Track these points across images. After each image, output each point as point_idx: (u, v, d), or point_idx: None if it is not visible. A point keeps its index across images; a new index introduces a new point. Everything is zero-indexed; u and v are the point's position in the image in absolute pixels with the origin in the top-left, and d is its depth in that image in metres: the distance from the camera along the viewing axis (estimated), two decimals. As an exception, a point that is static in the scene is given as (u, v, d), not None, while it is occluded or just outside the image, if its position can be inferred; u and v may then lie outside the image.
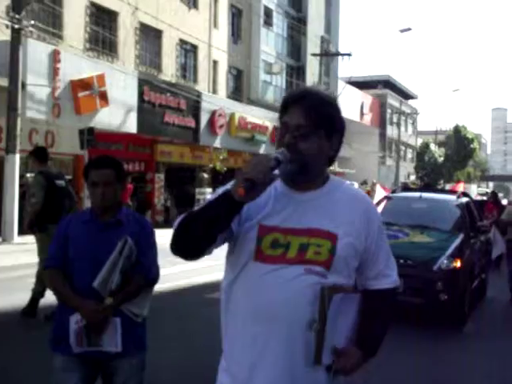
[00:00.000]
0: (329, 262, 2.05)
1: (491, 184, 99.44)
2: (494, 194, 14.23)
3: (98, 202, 3.29)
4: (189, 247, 2.04)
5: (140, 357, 3.34)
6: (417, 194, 10.35)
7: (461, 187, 24.68)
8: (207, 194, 23.66)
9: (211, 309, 8.13)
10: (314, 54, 36.10)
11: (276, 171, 1.92)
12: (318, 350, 2.03)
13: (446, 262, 7.89)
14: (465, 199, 10.38)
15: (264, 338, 2.04)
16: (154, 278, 3.35)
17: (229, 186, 1.98)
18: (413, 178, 62.25)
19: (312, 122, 2.04)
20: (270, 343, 2.03)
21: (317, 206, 2.10)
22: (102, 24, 22.76)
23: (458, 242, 8.41)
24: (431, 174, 61.19)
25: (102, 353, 3.19)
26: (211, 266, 9.39)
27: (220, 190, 2.06)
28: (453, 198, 10.28)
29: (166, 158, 25.15)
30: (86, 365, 3.23)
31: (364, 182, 33.12)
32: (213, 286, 10.08)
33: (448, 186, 51.28)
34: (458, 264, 7.95)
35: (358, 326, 2.18)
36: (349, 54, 33.81)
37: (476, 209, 10.96)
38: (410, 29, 32.29)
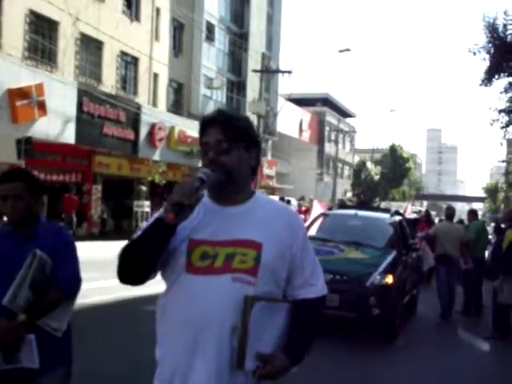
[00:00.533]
0: (254, 270, 2.15)
1: (425, 203, 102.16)
2: (426, 213, 14.74)
3: (9, 215, 3.20)
4: (133, 274, 2.19)
5: (63, 371, 3.24)
6: (352, 212, 10.63)
7: (409, 208, 25.27)
8: (145, 206, 23.50)
9: (150, 321, 8.17)
10: (254, 70, 36.42)
11: (202, 192, 2.06)
12: (240, 355, 2.10)
13: (378, 277, 8.14)
14: (398, 217, 10.73)
15: (194, 345, 2.13)
16: (74, 290, 3.24)
17: (159, 213, 2.14)
18: (349, 194, 63.27)
19: (230, 137, 2.18)
20: (199, 349, 2.12)
21: (243, 218, 2.21)
22: (42, 33, 22.42)
23: (390, 258, 8.70)
24: (367, 192, 62.40)
25: (22, 370, 3.09)
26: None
27: (152, 218, 2.20)
28: (386, 216, 10.61)
29: (104, 170, 24.88)
30: (8, 382, 3.12)
31: (302, 198, 33.53)
32: (151, 299, 10.07)
33: (383, 204, 52.48)
34: (390, 280, 8.21)
35: (286, 334, 2.25)
36: (289, 72, 34.25)
37: (409, 227, 11.33)
38: (349, 49, 33.01)
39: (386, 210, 12.40)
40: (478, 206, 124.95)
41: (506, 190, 66.95)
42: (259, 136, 2.37)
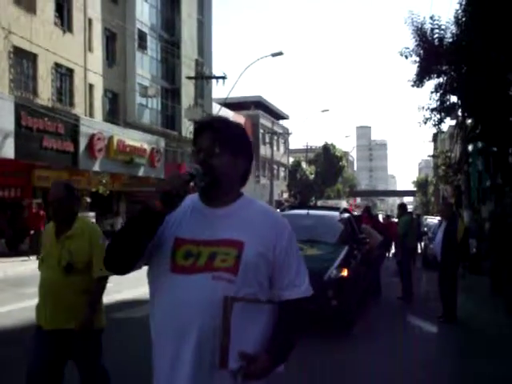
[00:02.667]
0: (235, 269, 2.20)
1: (359, 199, 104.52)
2: (367, 209, 15.53)
3: None
4: (119, 262, 2.24)
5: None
6: (304, 212, 11.19)
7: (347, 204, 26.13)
8: (90, 217, 23.43)
9: (119, 327, 8.44)
10: (188, 77, 36.71)
11: (190, 186, 2.18)
12: (222, 354, 2.15)
13: (334, 271, 8.71)
14: (346, 214, 11.38)
15: (178, 349, 2.18)
16: None
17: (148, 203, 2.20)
18: (286, 195, 64.20)
19: (221, 142, 2.27)
20: (183, 349, 2.17)
21: (228, 219, 2.29)
22: (-25, 48, 22.09)
23: (344, 253, 9.31)
24: (303, 192, 63.46)
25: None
26: (120, 284, 9.66)
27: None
28: (336, 214, 11.24)
29: (44, 183, 24.62)
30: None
31: None
32: (120, 305, 10.45)
33: (320, 203, 53.52)
34: (345, 273, 8.79)
35: (271, 334, 2.29)
36: (223, 77, 34.63)
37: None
38: (281, 53, 33.59)
39: (336, 209, 13.06)
40: (409, 200, 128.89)
41: (435, 184, 69.45)
42: (250, 145, 2.44)
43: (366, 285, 11.30)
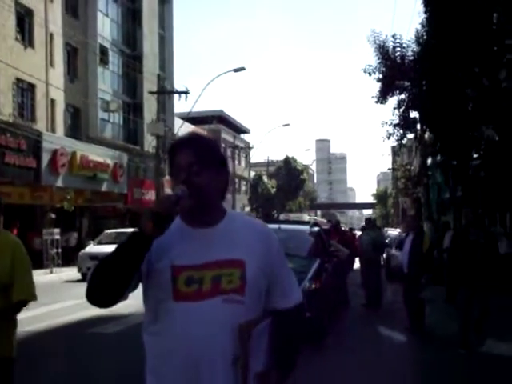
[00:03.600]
0: (242, 289, 2.15)
1: (319, 212, 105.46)
2: (335, 224, 15.97)
3: None
4: (104, 293, 2.08)
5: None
6: (276, 226, 11.37)
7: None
8: (55, 234, 23.23)
9: (76, 346, 8.49)
10: (151, 92, 36.67)
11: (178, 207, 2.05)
12: (244, 381, 2.10)
13: (307, 284, 8.92)
14: (316, 228, 11.63)
15: (194, 376, 2.09)
16: None
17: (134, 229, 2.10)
18: (247, 209, 64.40)
19: (202, 159, 2.19)
20: (200, 380, 2.09)
21: (220, 238, 2.21)
22: None
23: (316, 265, 9.55)
24: (265, 205, 63.79)
25: None
26: (79, 304, 9.65)
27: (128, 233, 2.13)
28: (307, 227, 11.50)
29: (5, 199, 24.25)
30: None
31: None
32: (94, 321, 10.46)
33: (282, 216, 53.81)
34: (317, 285, 9.01)
35: (274, 347, 2.24)
36: (186, 92, 34.71)
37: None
38: (244, 68, 33.94)
39: (306, 223, 13.34)
40: (369, 212, 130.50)
41: (394, 196, 70.61)
42: (226, 160, 2.38)
43: (337, 296, 11.55)
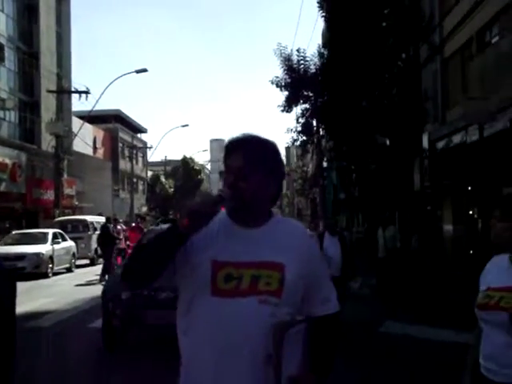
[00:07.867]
0: (279, 292, 2.14)
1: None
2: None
3: None
4: (140, 274, 2.16)
5: None
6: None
7: None
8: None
9: (32, 335, 8.88)
10: (49, 91, 36.06)
11: (219, 208, 2.11)
12: (277, 381, 2.10)
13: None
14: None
15: (224, 370, 2.10)
16: None
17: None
18: (145, 209, 64.13)
19: (250, 164, 2.16)
20: (232, 376, 2.10)
21: (264, 240, 2.21)
22: None
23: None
24: (163, 205, 63.74)
25: None
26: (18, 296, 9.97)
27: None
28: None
29: None
30: None
31: (100, 214, 32.49)
32: (27, 316, 10.96)
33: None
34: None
35: (310, 352, 2.25)
36: (87, 92, 34.47)
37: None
38: (146, 70, 34.10)
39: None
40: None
41: (289, 196, 72.70)
42: (282, 165, 2.38)
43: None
